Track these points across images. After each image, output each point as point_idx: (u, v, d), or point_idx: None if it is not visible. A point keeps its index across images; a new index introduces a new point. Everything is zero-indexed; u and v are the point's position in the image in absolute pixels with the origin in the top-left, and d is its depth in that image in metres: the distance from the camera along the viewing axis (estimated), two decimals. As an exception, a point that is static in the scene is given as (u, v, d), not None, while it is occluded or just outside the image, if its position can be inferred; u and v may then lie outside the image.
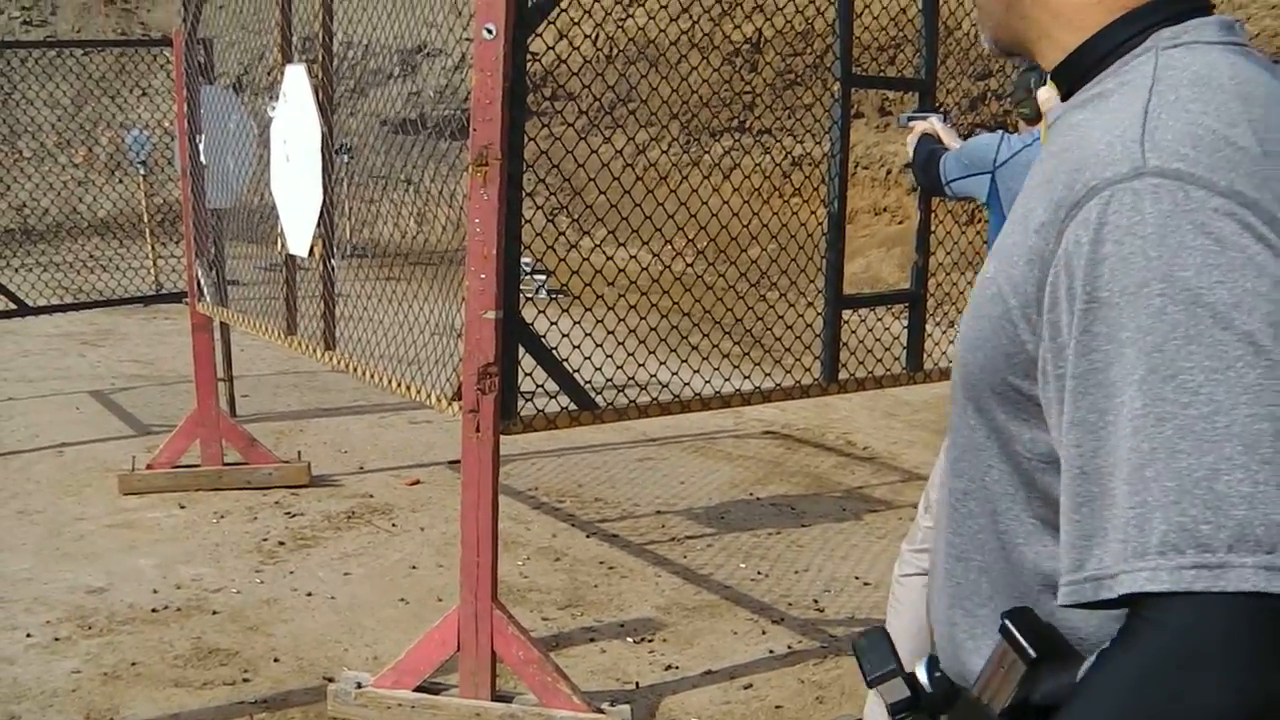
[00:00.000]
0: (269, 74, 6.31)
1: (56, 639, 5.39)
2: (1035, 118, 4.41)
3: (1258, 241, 1.22)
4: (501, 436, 4.42)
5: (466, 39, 4.20)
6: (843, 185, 5.30)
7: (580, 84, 4.95)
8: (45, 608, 5.71)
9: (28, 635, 5.42)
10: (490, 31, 4.13)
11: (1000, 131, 4.46)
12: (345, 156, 14.95)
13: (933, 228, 5.66)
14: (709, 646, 5.46)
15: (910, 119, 5.20)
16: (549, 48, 4.56)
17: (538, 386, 4.50)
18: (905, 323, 5.62)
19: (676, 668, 5.23)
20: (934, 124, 5.01)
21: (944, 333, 5.90)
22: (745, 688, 5.06)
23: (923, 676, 1.62)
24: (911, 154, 5.03)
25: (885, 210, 17.14)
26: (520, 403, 4.47)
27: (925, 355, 5.72)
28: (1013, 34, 1.61)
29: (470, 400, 4.34)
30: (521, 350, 4.44)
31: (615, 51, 15.81)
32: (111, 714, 4.74)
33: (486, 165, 4.21)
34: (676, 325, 5.06)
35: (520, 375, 4.44)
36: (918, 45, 5.60)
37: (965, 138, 5.10)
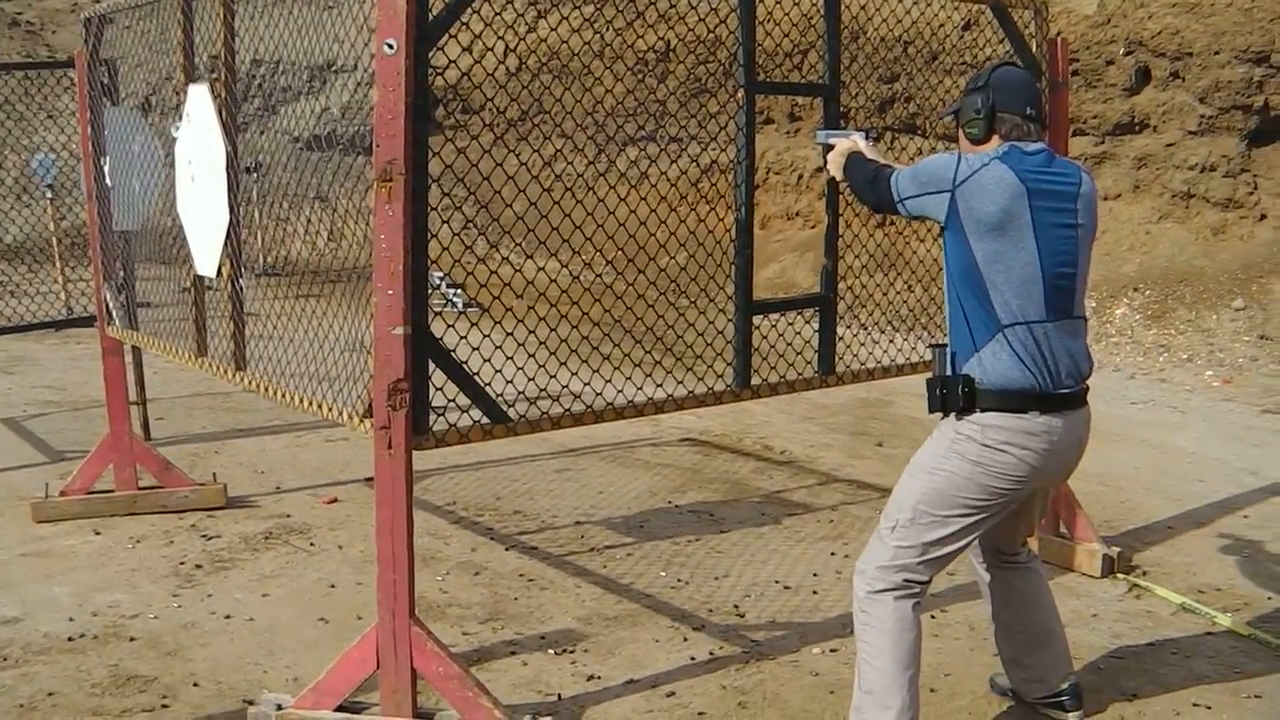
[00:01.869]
0: (176, 94, 6.24)
1: (-30, 672, 5.32)
2: (983, 139, 4.44)
3: None
4: (415, 452, 4.41)
5: (373, 54, 4.19)
6: (749, 191, 5.33)
7: (484, 98, 4.94)
8: (-42, 640, 5.64)
9: (-60, 669, 5.35)
10: (391, 46, 4.13)
11: (956, 151, 4.46)
12: (254, 175, 14.85)
13: (841, 231, 5.70)
14: (631, 655, 5.46)
15: (829, 136, 5.19)
16: (451, 62, 4.54)
17: (449, 401, 4.49)
18: (816, 326, 5.67)
19: (599, 678, 5.23)
20: (858, 143, 5.00)
21: (855, 335, 5.94)
22: (668, 695, 5.07)
23: None
24: (842, 173, 4.98)
25: (798, 215, 17.24)
26: (433, 418, 4.47)
27: (837, 358, 5.76)
28: None
29: (381, 417, 4.32)
30: (432, 365, 4.43)
31: (520, 65, 15.79)
32: (28, 746, 4.69)
33: (391, 181, 4.20)
34: (588, 335, 5.07)
35: (432, 390, 4.43)
36: (825, 52, 5.64)
37: (876, 141, 5.11)
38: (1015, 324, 4.24)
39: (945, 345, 4.45)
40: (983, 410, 4.26)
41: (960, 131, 4.55)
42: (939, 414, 4.41)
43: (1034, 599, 4.80)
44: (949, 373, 4.36)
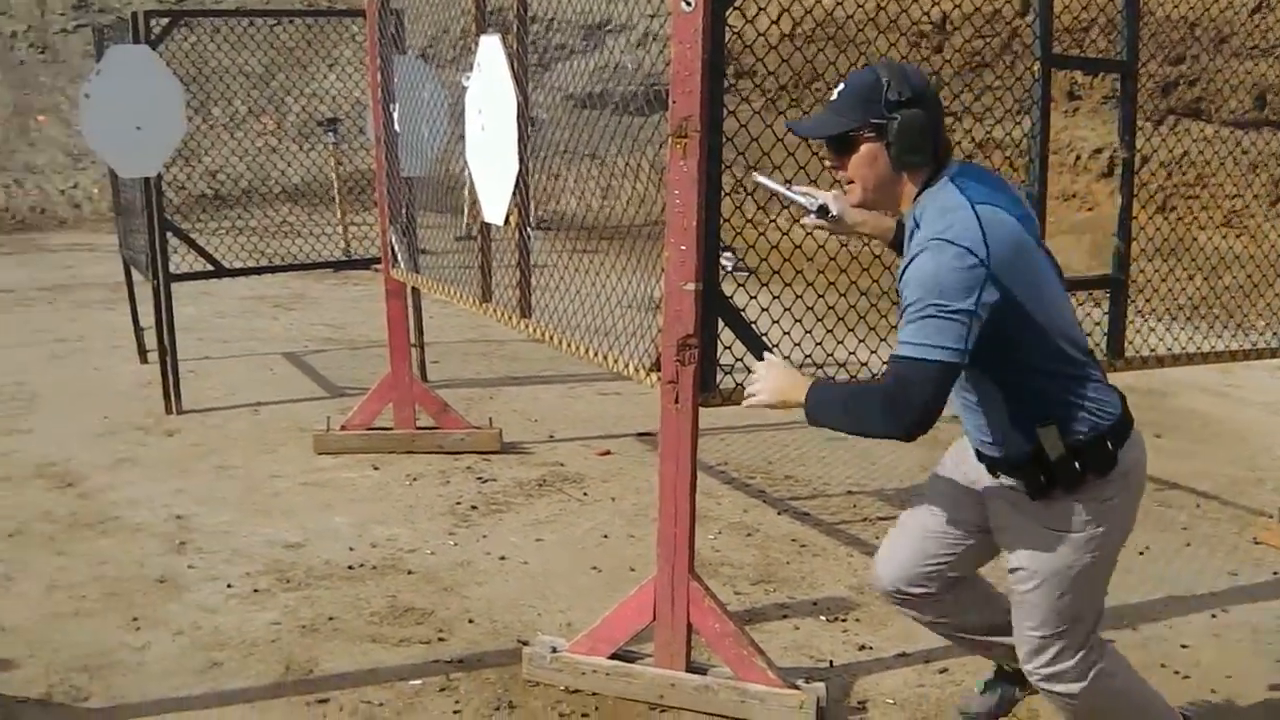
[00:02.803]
0: (453, 46, 6.36)
1: (256, 590, 5.54)
2: (925, 165, 3.61)
3: None
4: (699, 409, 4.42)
5: (649, 15, 4.20)
6: (1043, 166, 5.23)
7: (755, 58, 4.91)
8: (245, 560, 5.87)
9: (228, 586, 5.59)
10: (689, 4, 4.13)
11: (935, 237, 3.41)
12: (531, 129, 15.06)
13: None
14: (903, 628, 5.37)
15: (770, 182, 4.31)
16: (748, 20, 4.52)
17: (737, 360, 4.49)
18: (1105, 309, 5.53)
19: (870, 648, 5.20)
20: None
21: (1130, 321, 5.71)
22: (940, 672, 5.00)
23: None
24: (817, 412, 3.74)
25: (1074, 196, 16.87)
26: (719, 375, 4.47)
27: (1125, 342, 5.61)
28: None
29: (669, 371, 4.35)
30: (720, 323, 4.44)
31: (795, 27, 15.69)
32: (310, 666, 4.86)
33: (686, 137, 4.21)
34: (876, 304, 5.03)
35: (719, 348, 4.44)
36: (1106, 29, 5.49)
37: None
38: (1083, 355, 3.74)
39: (1033, 429, 3.70)
40: (1115, 448, 3.74)
41: (882, 160, 3.57)
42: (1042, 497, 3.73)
43: (971, 583, 4.24)
44: (1062, 447, 3.66)
